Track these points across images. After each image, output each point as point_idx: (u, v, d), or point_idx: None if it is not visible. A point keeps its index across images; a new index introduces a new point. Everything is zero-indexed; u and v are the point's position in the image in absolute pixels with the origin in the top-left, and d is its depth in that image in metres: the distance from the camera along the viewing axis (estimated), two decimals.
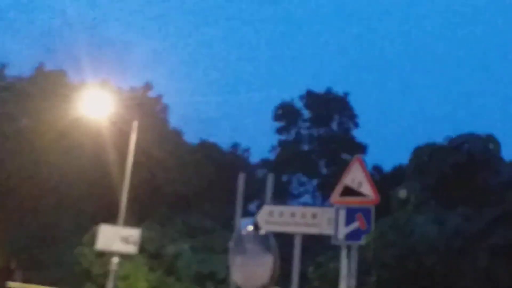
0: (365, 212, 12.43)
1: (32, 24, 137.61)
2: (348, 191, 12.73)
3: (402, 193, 17.40)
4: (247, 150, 68.76)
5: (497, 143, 18.31)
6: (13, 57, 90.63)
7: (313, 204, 62.09)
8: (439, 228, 10.33)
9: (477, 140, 16.11)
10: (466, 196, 14.35)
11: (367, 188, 12.73)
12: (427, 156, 16.60)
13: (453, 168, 14.80)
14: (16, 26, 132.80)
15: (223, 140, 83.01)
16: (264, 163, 64.46)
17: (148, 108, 49.02)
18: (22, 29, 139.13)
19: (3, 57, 56.21)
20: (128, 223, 28.96)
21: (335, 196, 12.78)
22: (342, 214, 12.46)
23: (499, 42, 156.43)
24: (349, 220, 12.37)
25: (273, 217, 13.30)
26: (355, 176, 12.87)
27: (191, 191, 46.39)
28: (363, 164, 13.41)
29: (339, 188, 12.82)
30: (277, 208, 13.77)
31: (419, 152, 17.14)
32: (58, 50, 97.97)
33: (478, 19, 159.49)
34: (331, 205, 13.17)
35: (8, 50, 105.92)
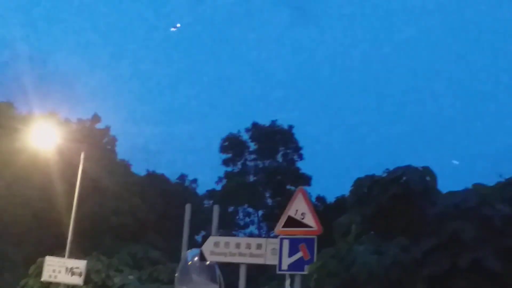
0: (308, 242, 12.83)
1: None
2: (292, 222, 13.11)
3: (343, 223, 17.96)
4: (194, 181, 69.13)
5: (433, 175, 19.00)
6: None
7: (258, 235, 62.54)
8: (379, 258, 10.79)
9: (415, 172, 16.70)
10: (404, 227, 14.89)
11: (310, 219, 13.13)
12: (366, 188, 17.13)
13: (392, 200, 15.30)
14: None
15: (171, 171, 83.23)
16: (211, 194, 64.81)
17: (96, 140, 49.07)
18: None
19: None
20: (74, 254, 28.87)
21: (279, 227, 13.10)
22: (286, 244, 12.82)
23: (434, 78, 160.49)
24: (292, 251, 12.76)
25: (219, 248, 13.52)
26: (299, 207, 13.25)
27: (138, 222, 46.36)
28: (306, 195, 13.78)
29: (283, 219, 13.11)
30: (223, 239, 13.97)
31: (359, 184, 17.64)
32: (6, 82, 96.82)
33: (417, 52, 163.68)
34: (276, 236, 13.47)
35: None
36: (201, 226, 50.43)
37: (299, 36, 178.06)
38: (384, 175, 14.04)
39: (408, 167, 14.73)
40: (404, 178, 13.82)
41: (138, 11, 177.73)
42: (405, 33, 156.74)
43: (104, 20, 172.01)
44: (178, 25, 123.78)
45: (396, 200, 14.47)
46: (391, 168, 16.15)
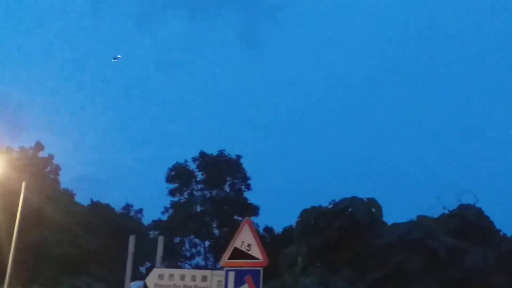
0: (254, 274, 12.66)
1: None
2: (238, 254, 12.97)
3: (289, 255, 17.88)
4: (140, 211, 68.24)
5: (379, 207, 19.13)
6: None
7: (205, 266, 61.93)
8: None
9: (360, 204, 16.74)
10: (350, 259, 14.87)
11: (256, 251, 12.99)
12: (313, 219, 17.03)
13: (338, 231, 15.25)
14: None
15: (116, 201, 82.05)
16: (157, 224, 64.01)
17: (39, 168, 48.11)
18: None
19: None
20: (14, 286, 28.10)
21: (224, 259, 12.94)
22: (232, 277, 12.62)
23: (379, 108, 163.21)
24: (238, 283, 12.57)
25: (163, 280, 13.26)
26: (245, 238, 13.09)
27: (81, 252, 45.47)
28: (252, 226, 13.61)
29: (228, 251, 12.98)
30: (167, 271, 13.71)
31: (305, 215, 17.53)
32: None
33: (371, 85, 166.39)
34: (222, 268, 13.28)
35: None
36: (147, 257, 49.65)
37: (247, 66, 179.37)
38: (330, 206, 14.08)
39: (354, 199, 14.82)
40: (350, 209, 13.87)
41: (85, 38, 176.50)
42: (342, 66, 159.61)
43: (51, 44, 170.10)
44: (119, 56, 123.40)
45: (342, 231, 14.53)
46: (337, 199, 16.19)
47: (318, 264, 16.21)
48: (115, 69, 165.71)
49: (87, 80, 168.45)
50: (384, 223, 18.35)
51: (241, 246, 13.06)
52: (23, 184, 28.35)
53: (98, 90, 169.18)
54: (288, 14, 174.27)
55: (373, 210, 17.29)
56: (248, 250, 12.95)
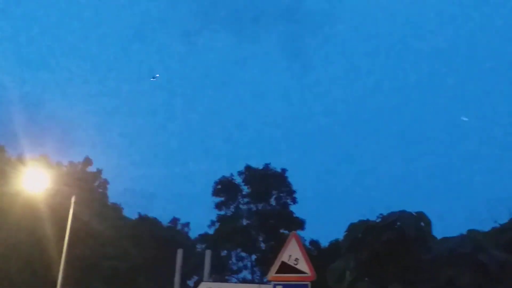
0: None
1: None
2: (285, 268, 12.88)
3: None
4: (186, 224, 68.57)
5: (428, 221, 18.82)
6: None
7: (252, 280, 61.81)
8: None
9: (409, 218, 16.50)
10: (399, 273, 14.66)
11: (303, 265, 12.89)
12: (360, 233, 16.89)
13: (386, 245, 15.08)
14: None
15: (163, 215, 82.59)
16: (204, 238, 64.15)
17: (88, 183, 48.77)
18: None
19: None
20: None
21: (272, 273, 12.86)
22: None
23: (431, 121, 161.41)
24: None
25: None
26: (292, 253, 13.00)
27: (129, 266, 45.84)
28: (299, 240, 13.54)
29: (276, 265, 12.90)
30: (215, 285, 13.72)
31: (353, 229, 17.41)
32: None
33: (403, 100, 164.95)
34: (269, 282, 13.20)
35: None
36: (194, 271, 49.86)
37: (292, 79, 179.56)
38: (378, 220, 13.90)
39: (402, 212, 14.61)
40: (398, 223, 13.68)
41: (131, 56, 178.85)
42: (400, 78, 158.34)
43: (97, 64, 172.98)
44: (157, 75, 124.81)
45: (390, 245, 14.31)
46: (385, 213, 15.99)
47: (366, 279, 16.06)
48: (161, 86, 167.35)
49: (133, 97, 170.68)
50: (434, 237, 18.07)
51: (288, 260, 12.97)
52: (73, 199, 28.72)
53: (144, 107, 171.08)
54: (332, 28, 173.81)
55: (422, 224, 17.05)
56: (296, 264, 12.86)
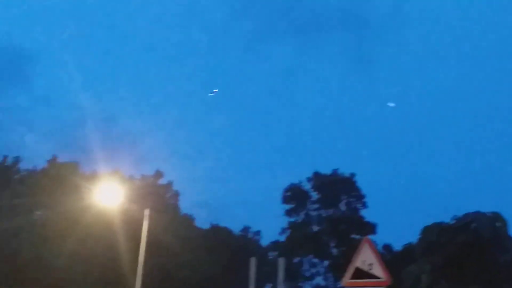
0: None
1: (47, 118, 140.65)
2: (360, 273, 12.77)
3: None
4: (257, 232, 68.77)
5: (504, 221, 18.44)
6: (27, 151, 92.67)
7: (325, 286, 61.55)
8: None
9: (484, 219, 16.18)
10: (476, 275, 14.38)
11: (378, 270, 12.75)
12: (435, 236, 16.61)
13: (461, 247, 14.81)
14: (32, 121, 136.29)
15: (234, 224, 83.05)
16: (275, 245, 64.20)
17: (159, 195, 49.56)
18: (37, 124, 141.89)
19: (17, 151, 57.68)
20: None
21: (346, 279, 12.77)
22: None
23: (501, 119, 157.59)
24: None
25: None
26: (366, 258, 12.87)
27: (202, 275, 46.29)
28: (372, 245, 13.38)
29: (350, 271, 12.81)
30: None
31: (427, 232, 17.13)
32: (71, 142, 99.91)
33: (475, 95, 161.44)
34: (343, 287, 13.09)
35: (22, 144, 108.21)
36: (267, 278, 49.94)
37: (357, 84, 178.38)
38: (452, 222, 13.68)
39: (477, 213, 14.35)
40: (473, 225, 13.44)
41: (201, 72, 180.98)
42: (465, 75, 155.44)
43: (165, 80, 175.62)
44: (216, 90, 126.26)
45: (466, 247, 14.09)
46: (459, 214, 15.70)
47: (442, 282, 15.80)
48: (229, 98, 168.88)
49: (201, 109, 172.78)
50: (510, 238, 17.66)
51: (362, 266, 12.86)
52: (146, 211, 29.19)
53: (210, 117, 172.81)
54: (397, 33, 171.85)
55: (498, 224, 16.66)
56: (370, 270, 12.73)
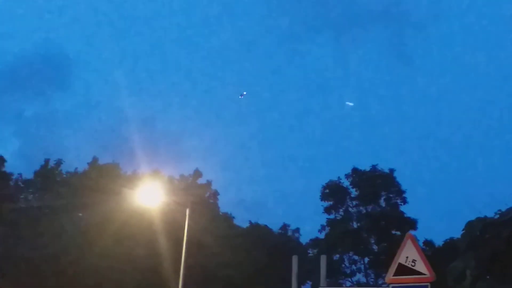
0: None
1: (88, 121, 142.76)
2: (403, 270, 12.68)
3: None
4: (296, 230, 68.70)
5: None
6: (69, 154, 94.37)
7: (366, 283, 61.16)
8: None
9: None
10: None
11: (421, 266, 12.63)
12: (479, 231, 16.41)
13: (506, 242, 14.59)
14: (73, 124, 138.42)
15: (273, 222, 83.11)
16: (315, 242, 64.00)
17: (199, 194, 49.78)
18: (78, 127, 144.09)
19: (59, 154, 58.59)
20: None
21: (389, 276, 12.69)
22: None
23: None
24: None
25: None
26: (409, 254, 12.76)
27: (244, 274, 46.41)
28: (415, 241, 13.27)
29: (393, 267, 12.72)
30: None
31: (470, 227, 16.92)
32: (112, 145, 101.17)
33: None
34: (385, 284, 13.05)
35: (64, 147, 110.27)
36: (307, 276, 49.87)
37: (397, 79, 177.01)
38: (496, 216, 13.48)
39: None
40: None
41: (239, 71, 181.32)
42: (506, 67, 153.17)
43: (200, 81, 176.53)
44: (245, 93, 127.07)
45: (511, 242, 13.84)
46: (503, 208, 15.45)
47: (488, 277, 15.56)
48: (266, 97, 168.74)
49: (237, 109, 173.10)
50: None
51: (405, 262, 12.76)
52: (187, 211, 29.30)
53: (248, 115, 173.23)
54: (436, 27, 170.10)
55: None
56: (413, 266, 12.63)
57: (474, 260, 15.51)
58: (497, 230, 15.31)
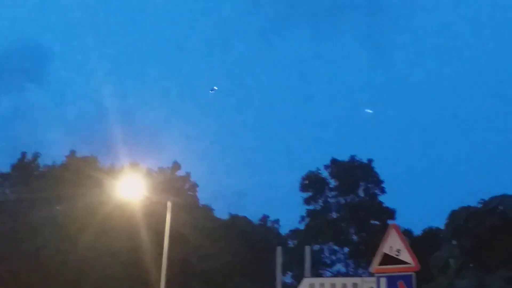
0: (407, 279, 12.30)
1: (64, 114, 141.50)
2: (388, 259, 12.66)
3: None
4: (276, 221, 68.70)
5: None
6: (46, 147, 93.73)
7: (346, 272, 61.45)
8: None
9: (511, 201, 15.99)
10: (506, 258, 14.21)
11: (406, 256, 12.63)
12: (462, 220, 16.46)
13: (490, 231, 14.66)
14: (50, 117, 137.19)
15: (252, 213, 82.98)
16: (295, 233, 64.14)
17: (178, 187, 49.60)
18: (55, 120, 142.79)
19: (36, 147, 57.96)
20: None
21: (375, 265, 12.67)
22: (384, 282, 12.36)
23: None
24: None
25: None
26: (393, 244, 12.76)
27: (224, 266, 46.30)
28: (399, 231, 13.30)
29: (378, 257, 12.69)
30: (317, 280, 13.76)
31: (454, 216, 16.96)
32: (89, 137, 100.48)
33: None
34: (366, 274, 13.05)
35: (40, 140, 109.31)
36: (287, 267, 49.91)
37: (372, 71, 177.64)
38: (480, 205, 13.52)
39: (504, 196, 14.14)
40: (500, 208, 13.25)
41: (218, 64, 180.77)
42: (482, 59, 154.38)
43: (182, 74, 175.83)
44: (215, 87, 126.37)
45: (494, 231, 13.89)
46: (486, 198, 15.52)
47: (471, 266, 15.63)
48: (245, 88, 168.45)
49: (213, 99, 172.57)
50: None
51: (390, 252, 12.76)
52: (168, 204, 29.06)
53: (242, 107, 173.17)
54: (412, 18, 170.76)
55: None
56: (398, 255, 12.63)
57: (458, 249, 15.58)
58: (480, 219, 15.37)
